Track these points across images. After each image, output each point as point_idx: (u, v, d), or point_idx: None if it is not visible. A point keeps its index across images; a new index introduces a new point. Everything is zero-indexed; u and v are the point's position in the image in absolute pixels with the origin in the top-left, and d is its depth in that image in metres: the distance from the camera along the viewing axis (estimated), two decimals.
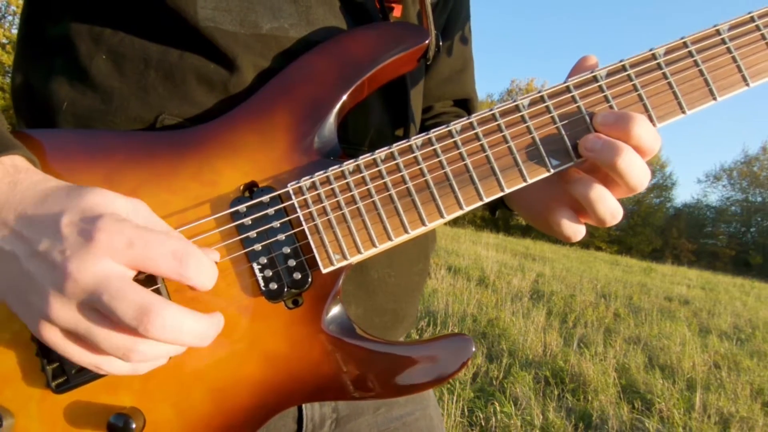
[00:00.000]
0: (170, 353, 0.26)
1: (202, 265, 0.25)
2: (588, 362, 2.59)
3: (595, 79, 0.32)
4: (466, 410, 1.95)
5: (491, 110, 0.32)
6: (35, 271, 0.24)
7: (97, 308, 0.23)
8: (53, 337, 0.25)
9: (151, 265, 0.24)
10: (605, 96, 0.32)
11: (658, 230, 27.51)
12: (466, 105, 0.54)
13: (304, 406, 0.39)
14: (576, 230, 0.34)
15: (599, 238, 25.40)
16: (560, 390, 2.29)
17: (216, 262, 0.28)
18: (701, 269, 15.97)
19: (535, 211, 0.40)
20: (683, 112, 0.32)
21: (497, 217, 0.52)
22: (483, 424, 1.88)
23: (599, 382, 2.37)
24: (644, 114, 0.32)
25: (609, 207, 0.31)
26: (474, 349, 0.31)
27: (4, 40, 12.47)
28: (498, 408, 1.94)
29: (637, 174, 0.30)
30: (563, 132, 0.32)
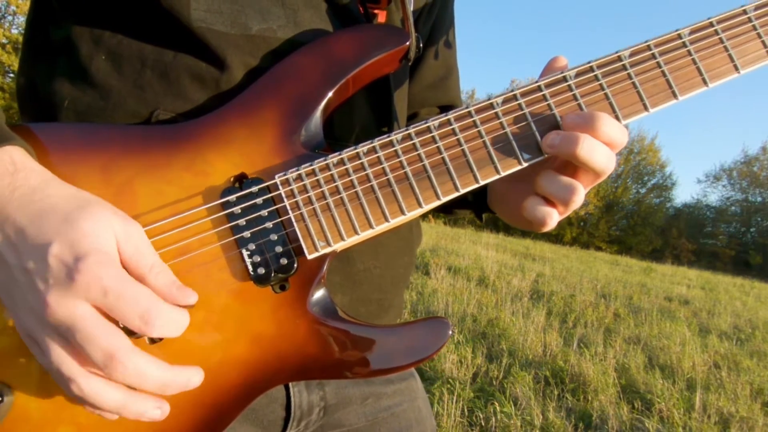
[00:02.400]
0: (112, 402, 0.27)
1: (167, 324, 0.27)
2: (588, 362, 2.59)
3: (564, 79, 0.34)
4: (466, 410, 1.95)
5: (467, 107, 0.35)
6: (22, 283, 0.26)
7: (69, 341, 0.26)
8: (25, 338, 0.28)
9: (120, 317, 0.26)
10: (574, 95, 0.34)
11: (658, 230, 27.41)
12: None
13: (292, 393, 0.40)
14: (547, 212, 0.35)
15: (599, 238, 25.33)
16: (560, 390, 2.29)
17: (188, 308, 0.29)
18: (701, 269, 15.92)
19: (513, 210, 0.42)
20: (647, 111, 0.34)
21: (484, 221, 0.54)
22: (483, 424, 1.88)
23: (599, 382, 2.37)
24: (610, 112, 0.34)
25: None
26: (451, 332, 0.33)
27: (4, 40, 12.39)
28: (498, 408, 1.94)
29: (600, 158, 0.32)
30: (534, 128, 0.34)
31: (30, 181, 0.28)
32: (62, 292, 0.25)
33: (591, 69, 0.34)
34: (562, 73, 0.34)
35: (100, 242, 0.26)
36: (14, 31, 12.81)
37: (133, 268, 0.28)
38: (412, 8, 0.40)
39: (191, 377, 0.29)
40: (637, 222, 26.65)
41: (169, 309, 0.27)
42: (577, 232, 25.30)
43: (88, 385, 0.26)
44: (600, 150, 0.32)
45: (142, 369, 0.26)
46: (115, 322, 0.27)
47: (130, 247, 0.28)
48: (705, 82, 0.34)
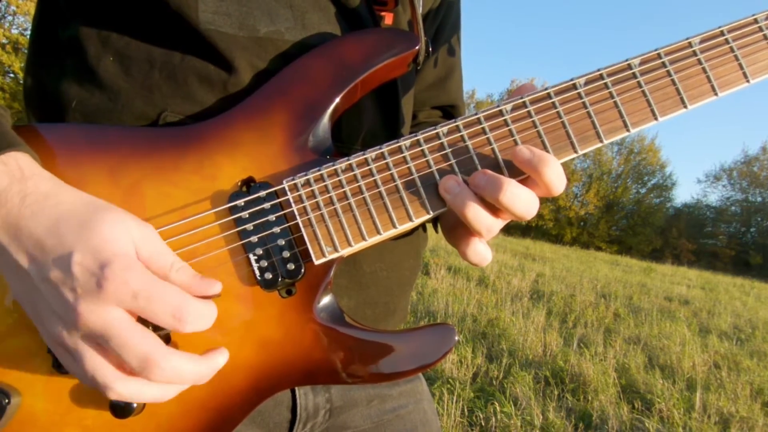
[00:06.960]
0: (154, 398, 0.28)
1: (199, 318, 0.27)
2: (588, 362, 2.60)
3: (574, 86, 0.34)
4: (466, 410, 1.96)
5: (476, 114, 0.34)
6: (47, 295, 0.26)
7: (103, 347, 0.26)
8: (54, 347, 0.28)
9: (152, 318, 0.26)
10: (583, 102, 0.34)
11: (658, 230, 27.42)
12: (452, 113, 0.55)
13: (298, 395, 0.41)
14: (482, 258, 0.36)
15: (599, 238, 25.34)
16: (560, 390, 2.30)
17: (214, 296, 0.29)
18: (701, 269, 15.94)
19: (448, 229, 0.42)
20: (656, 119, 0.34)
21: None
22: (483, 424, 1.89)
23: (599, 382, 2.37)
24: (618, 119, 0.34)
25: (484, 223, 0.32)
26: (457, 339, 0.33)
27: (4, 40, 12.34)
28: (498, 408, 1.94)
29: (520, 207, 0.31)
30: (543, 135, 0.34)
31: (40, 187, 0.27)
32: (93, 300, 0.25)
33: (601, 77, 0.34)
34: (571, 79, 0.34)
35: (121, 246, 0.26)
36: (14, 31, 12.74)
37: (154, 268, 0.28)
38: (421, 11, 0.40)
39: (219, 361, 0.30)
40: (637, 222, 26.65)
41: (198, 303, 0.27)
42: (577, 232, 25.31)
43: (126, 388, 0.27)
44: (522, 197, 0.31)
45: (179, 367, 0.26)
46: (145, 324, 0.27)
47: (147, 249, 0.28)
48: (714, 91, 0.34)
